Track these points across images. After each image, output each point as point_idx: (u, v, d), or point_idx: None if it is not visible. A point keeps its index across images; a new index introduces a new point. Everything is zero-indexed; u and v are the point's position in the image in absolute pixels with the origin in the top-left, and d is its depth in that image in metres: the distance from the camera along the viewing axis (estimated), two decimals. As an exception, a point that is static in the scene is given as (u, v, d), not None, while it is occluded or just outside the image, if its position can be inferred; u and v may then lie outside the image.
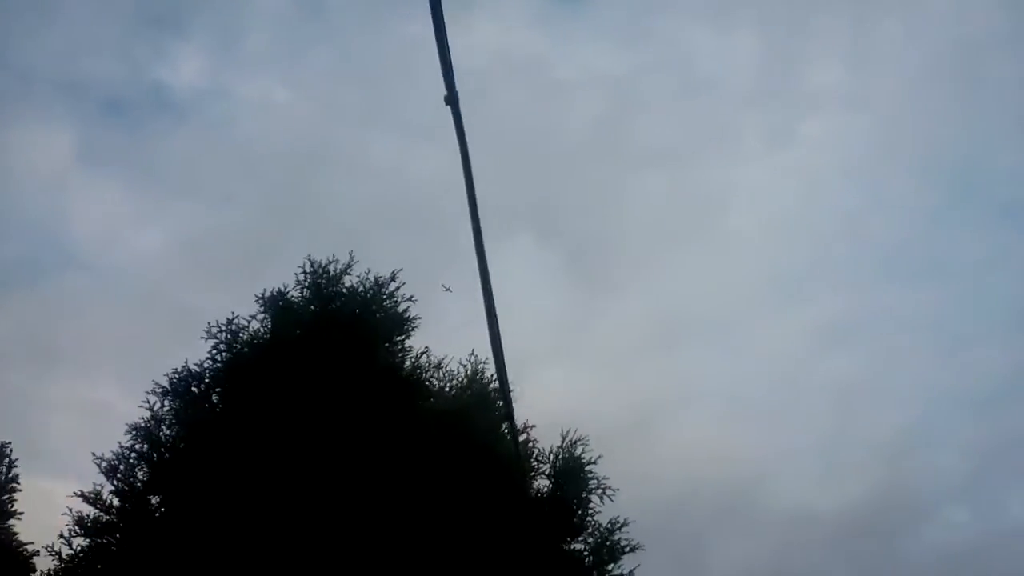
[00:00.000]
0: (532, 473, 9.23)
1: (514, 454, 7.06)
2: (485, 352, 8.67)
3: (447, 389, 9.15)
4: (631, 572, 8.69)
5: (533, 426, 9.24)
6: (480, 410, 8.67)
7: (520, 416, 9.65)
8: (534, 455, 9.14)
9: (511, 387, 9.31)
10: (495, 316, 5.95)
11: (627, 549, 8.77)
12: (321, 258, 8.96)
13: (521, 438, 9.40)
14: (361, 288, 8.99)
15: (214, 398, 8.09)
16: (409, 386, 8.47)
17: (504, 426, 8.10)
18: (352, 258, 9.04)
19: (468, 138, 4.90)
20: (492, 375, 9.39)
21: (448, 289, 12.41)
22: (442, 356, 8.97)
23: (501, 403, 8.74)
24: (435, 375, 9.05)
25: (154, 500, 7.90)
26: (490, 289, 5.74)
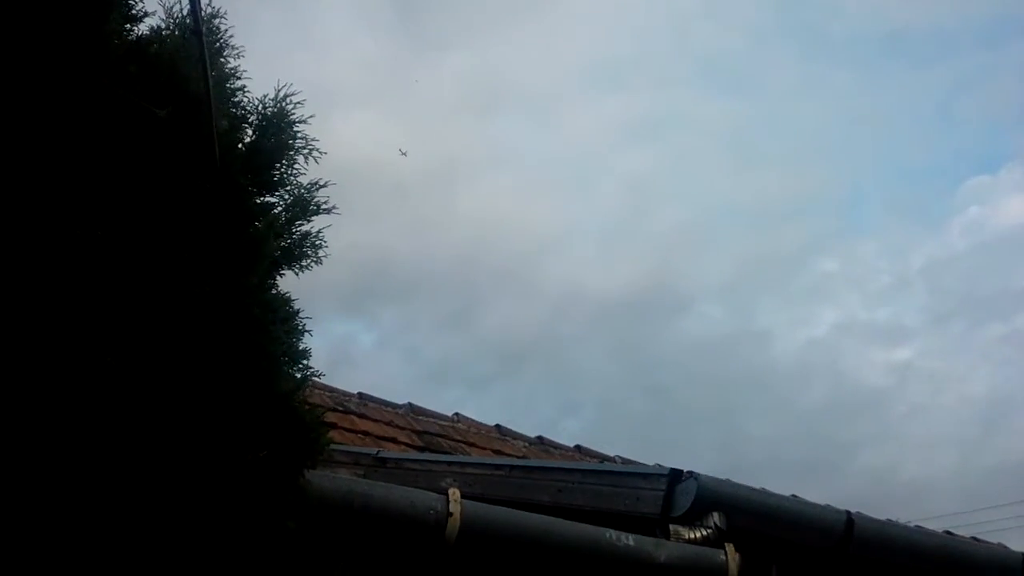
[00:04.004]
0: (240, 124, 8.97)
1: (204, 88, 6.74)
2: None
3: (161, 25, 8.58)
4: (319, 231, 8.80)
5: (245, 72, 8.86)
6: (187, 49, 8.19)
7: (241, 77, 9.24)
8: (241, 104, 8.84)
9: (226, 30, 8.89)
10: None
11: (321, 210, 8.82)
12: None
13: (234, 87, 9.05)
14: None
15: None
16: (108, 8, 7.83)
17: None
18: None
19: None
20: (212, 13, 8.83)
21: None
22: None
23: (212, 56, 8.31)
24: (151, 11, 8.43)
25: None
26: None
